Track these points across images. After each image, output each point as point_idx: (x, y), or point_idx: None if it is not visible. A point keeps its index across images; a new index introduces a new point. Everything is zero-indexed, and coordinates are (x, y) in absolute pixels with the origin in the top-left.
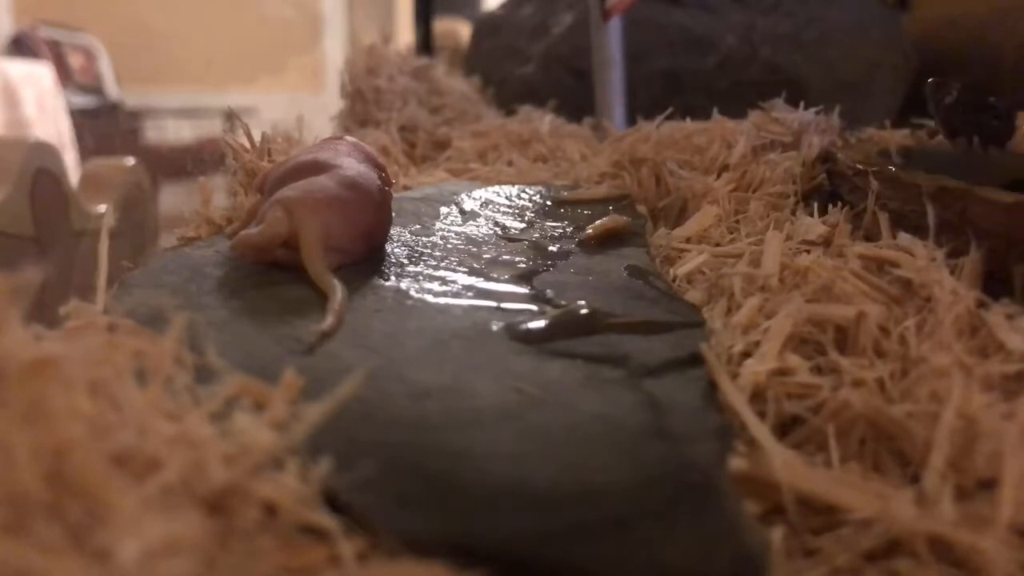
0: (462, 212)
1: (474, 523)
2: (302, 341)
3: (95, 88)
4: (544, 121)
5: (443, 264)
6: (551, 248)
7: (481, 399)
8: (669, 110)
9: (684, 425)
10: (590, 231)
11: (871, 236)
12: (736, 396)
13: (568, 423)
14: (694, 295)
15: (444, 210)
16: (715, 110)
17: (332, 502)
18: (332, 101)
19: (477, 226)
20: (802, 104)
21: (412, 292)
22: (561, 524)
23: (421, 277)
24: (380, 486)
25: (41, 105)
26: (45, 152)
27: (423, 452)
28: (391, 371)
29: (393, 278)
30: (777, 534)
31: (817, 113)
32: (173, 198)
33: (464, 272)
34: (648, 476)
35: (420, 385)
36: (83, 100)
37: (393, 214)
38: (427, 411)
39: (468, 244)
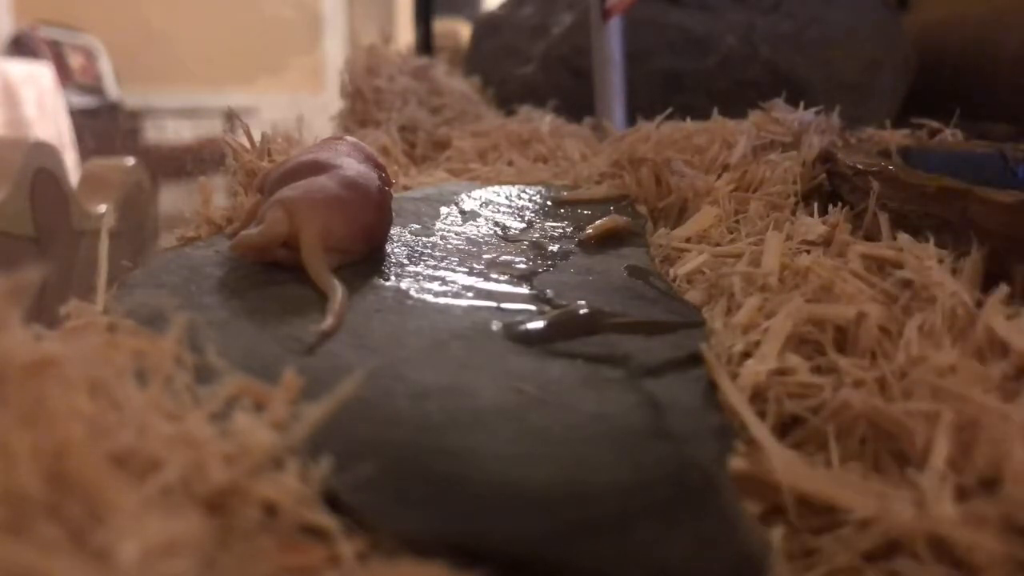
0: (462, 212)
1: (474, 523)
2: (302, 341)
3: (95, 88)
4: (544, 121)
5: (443, 264)
6: (551, 248)
7: (481, 399)
8: (669, 110)
9: (684, 425)
10: (590, 231)
11: (871, 236)
12: (736, 396)
13: (568, 423)
14: (694, 295)
15: (444, 210)
16: (715, 110)
17: (332, 502)
18: (332, 101)
19: (477, 226)
20: (802, 104)
21: (412, 292)
22: (561, 524)
23: (421, 277)
24: (380, 486)
25: (41, 105)
26: (45, 152)
27: (423, 452)
28: (391, 371)
29: (393, 278)
30: (777, 534)
31: (817, 113)
32: (173, 198)
33: (464, 272)
34: (648, 476)
35: (420, 385)
36: (83, 100)
37: (393, 214)
38: (427, 411)
39: (468, 244)
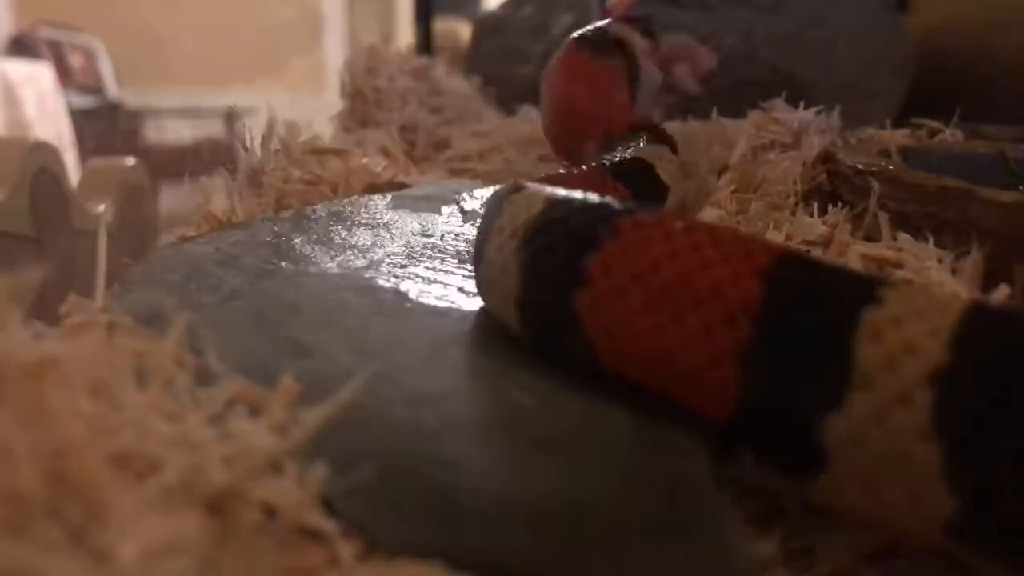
0: (463, 212)
1: (466, 536)
2: (300, 343)
3: (95, 88)
4: None
5: (443, 266)
6: None
7: (478, 407)
8: (669, 110)
9: (678, 437)
10: None
11: (871, 236)
12: None
13: (563, 434)
14: None
15: (445, 209)
16: (715, 110)
17: (328, 506)
18: (332, 101)
19: (478, 226)
20: (802, 104)
21: (411, 294)
22: (553, 540)
23: (420, 279)
24: (373, 494)
25: (41, 105)
26: (45, 152)
27: (418, 461)
28: (388, 376)
29: (392, 279)
30: (776, 535)
31: (817, 113)
32: (173, 198)
33: (464, 274)
34: (641, 491)
35: (417, 391)
36: (83, 100)
37: (393, 213)
38: (423, 418)
39: (469, 245)
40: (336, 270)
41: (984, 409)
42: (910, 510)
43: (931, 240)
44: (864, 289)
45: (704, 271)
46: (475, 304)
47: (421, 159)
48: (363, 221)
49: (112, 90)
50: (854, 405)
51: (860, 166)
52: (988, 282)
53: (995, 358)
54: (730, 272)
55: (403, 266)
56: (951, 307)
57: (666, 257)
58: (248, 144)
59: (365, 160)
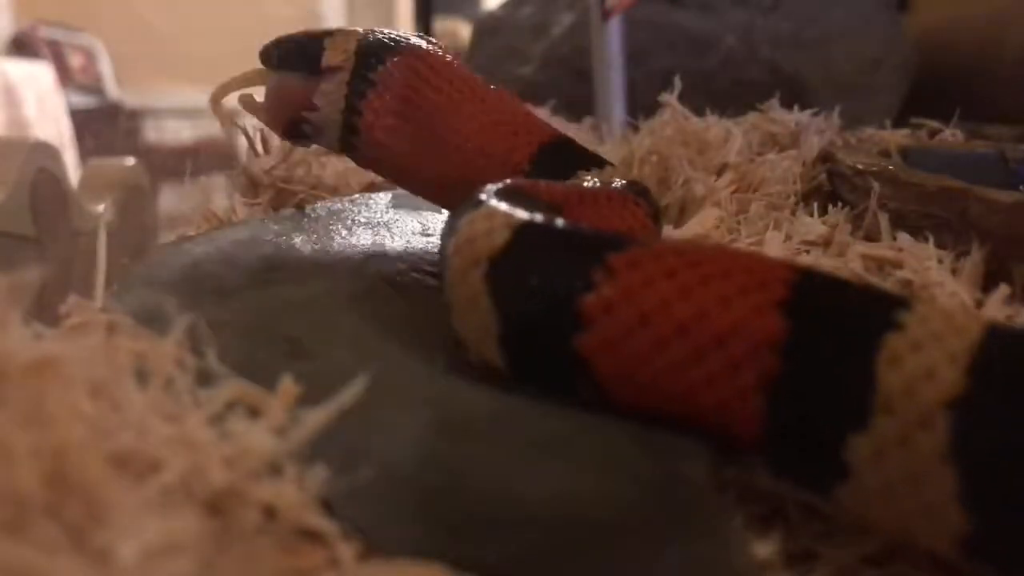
0: None
1: (465, 540)
2: (299, 343)
3: (95, 88)
4: None
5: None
6: None
7: (477, 408)
8: (669, 110)
9: (677, 439)
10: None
11: (871, 236)
12: None
13: (564, 435)
14: None
15: (446, 209)
16: (707, 109)
17: (330, 507)
18: None
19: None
20: (800, 105)
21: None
22: (553, 541)
23: (420, 279)
24: (374, 496)
25: (41, 105)
26: (45, 152)
27: (417, 464)
28: (388, 377)
29: (393, 279)
30: (776, 538)
31: (815, 114)
32: (173, 198)
33: None
34: (640, 492)
35: (417, 392)
36: (83, 100)
37: (393, 213)
38: (424, 419)
39: None
40: (336, 270)
41: (999, 433)
42: (924, 524)
43: (931, 240)
44: (884, 313)
45: (721, 309)
46: None
47: None
48: (363, 221)
49: (112, 90)
50: (878, 428)
51: (860, 166)
52: (988, 282)
53: (1011, 384)
54: (750, 306)
55: (403, 267)
56: (969, 330)
57: (676, 295)
58: (258, 148)
59: None
